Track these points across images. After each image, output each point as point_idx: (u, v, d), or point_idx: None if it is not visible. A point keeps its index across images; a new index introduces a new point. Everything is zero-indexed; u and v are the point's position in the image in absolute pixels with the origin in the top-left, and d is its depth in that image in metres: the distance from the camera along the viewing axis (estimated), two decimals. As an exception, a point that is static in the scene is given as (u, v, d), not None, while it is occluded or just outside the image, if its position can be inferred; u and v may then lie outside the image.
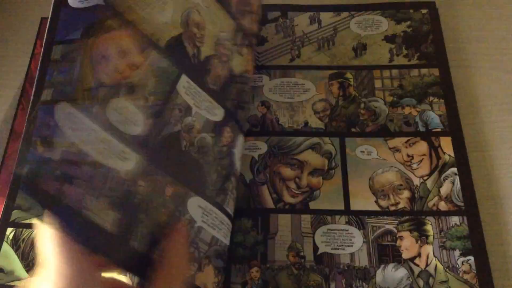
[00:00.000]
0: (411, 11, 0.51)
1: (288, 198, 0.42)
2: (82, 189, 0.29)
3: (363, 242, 0.39)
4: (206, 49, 0.38)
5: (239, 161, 0.41)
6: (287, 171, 0.43)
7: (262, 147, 0.44)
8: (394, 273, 0.38)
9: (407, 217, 0.40)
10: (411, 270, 0.38)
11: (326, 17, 0.51)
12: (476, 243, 0.38)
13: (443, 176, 0.41)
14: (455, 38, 0.50)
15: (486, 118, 0.45)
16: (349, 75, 0.47)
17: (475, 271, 0.37)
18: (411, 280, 0.37)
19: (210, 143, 0.37)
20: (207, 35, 0.38)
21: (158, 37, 0.34)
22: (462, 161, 0.42)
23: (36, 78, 0.30)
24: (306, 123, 0.45)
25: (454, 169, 0.41)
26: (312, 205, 0.41)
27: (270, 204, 0.41)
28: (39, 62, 0.31)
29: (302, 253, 0.39)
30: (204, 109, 0.37)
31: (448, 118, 0.44)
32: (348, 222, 0.40)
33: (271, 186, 0.42)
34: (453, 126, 0.44)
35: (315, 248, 0.39)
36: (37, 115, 0.28)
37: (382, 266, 0.38)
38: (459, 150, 0.42)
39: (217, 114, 0.38)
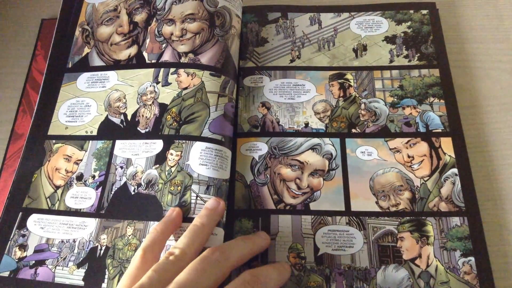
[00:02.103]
0: (411, 11, 0.51)
1: (288, 199, 0.42)
2: (53, 264, 0.38)
3: (364, 243, 0.39)
4: (131, 108, 0.44)
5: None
6: (288, 172, 0.43)
7: (262, 148, 0.44)
8: (394, 274, 0.38)
9: (408, 218, 0.40)
10: (411, 271, 0.38)
11: (326, 18, 0.51)
12: (476, 244, 0.38)
13: (443, 176, 0.41)
14: (455, 39, 0.50)
15: (487, 118, 0.46)
16: (349, 76, 0.47)
17: (476, 272, 0.37)
18: (411, 281, 0.37)
19: (156, 174, 0.41)
20: (130, 98, 0.45)
21: (91, 129, 0.43)
22: (462, 162, 0.42)
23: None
24: (307, 124, 0.45)
25: (455, 170, 0.41)
26: (313, 206, 0.41)
27: (270, 205, 0.41)
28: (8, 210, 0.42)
29: (302, 254, 0.39)
30: (142, 152, 0.42)
31: (449, 118, 0.44)
32: (349, 223, 0.40)
33: (272, 187, 0.42)
34: (454, 127, 0.44)
35: (316, 249, 0.39)
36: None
37: (383, 267, 0.38)
38: (460, 151, 0.42)
39: (156, 147, 0.42)
